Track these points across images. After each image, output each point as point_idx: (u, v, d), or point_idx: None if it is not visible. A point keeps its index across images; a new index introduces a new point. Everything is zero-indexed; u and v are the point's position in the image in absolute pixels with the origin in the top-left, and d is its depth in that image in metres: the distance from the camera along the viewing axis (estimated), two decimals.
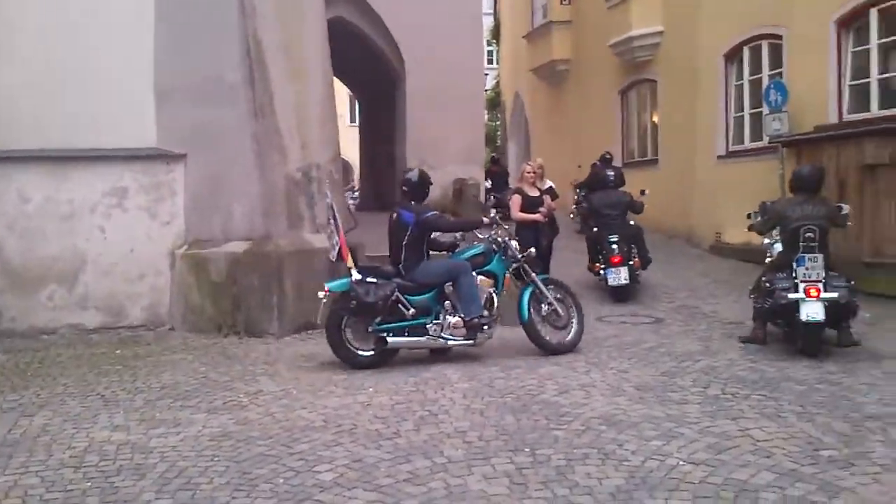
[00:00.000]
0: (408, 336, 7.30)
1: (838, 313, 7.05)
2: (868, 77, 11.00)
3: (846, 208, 7.88)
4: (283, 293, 8.60)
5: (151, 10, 9.14)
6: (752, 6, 13.23)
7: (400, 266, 7.39)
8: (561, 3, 20.64)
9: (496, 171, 19.81)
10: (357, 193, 26.00)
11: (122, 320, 9.28)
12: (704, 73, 14.74)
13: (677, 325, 8.98)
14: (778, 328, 7.72)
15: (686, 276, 11.97)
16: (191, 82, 9.05)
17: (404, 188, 7.56)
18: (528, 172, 10.34)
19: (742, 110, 13.94)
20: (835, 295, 6.92)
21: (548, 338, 7.62)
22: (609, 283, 10.29)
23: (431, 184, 7.76)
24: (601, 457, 4.74)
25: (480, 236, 7.96)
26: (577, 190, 16.12)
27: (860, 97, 11.20)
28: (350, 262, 7.30)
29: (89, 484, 4.58)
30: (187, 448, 5.17)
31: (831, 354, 7.18)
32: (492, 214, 8.06)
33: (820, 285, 6.95)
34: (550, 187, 10.97)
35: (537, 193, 10.25)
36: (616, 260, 10.21)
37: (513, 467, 4.61)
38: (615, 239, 10.36)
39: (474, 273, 7.44)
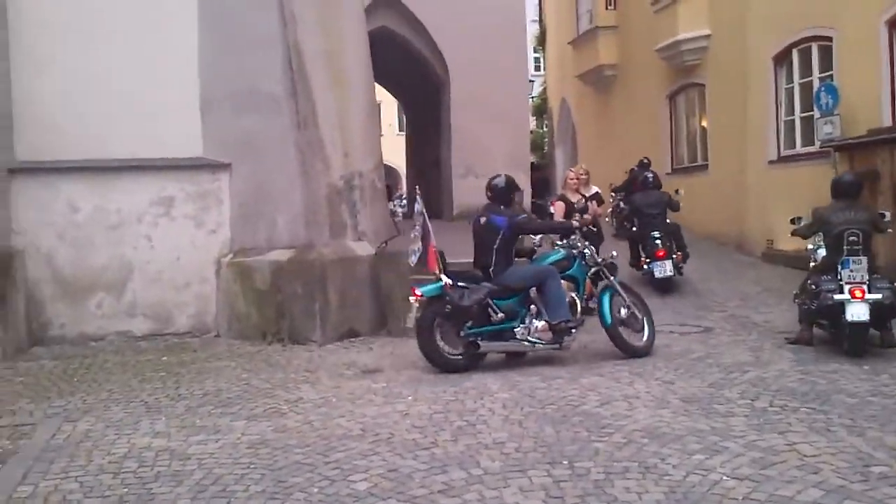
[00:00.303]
0: (497, 340, 7.37)
1: (882, 314, 7.20)
2: None
3: (888, 215, 8.02)
4: (327, 301, 8.64)
5: (195, 19, 9.27)
6: (801, 7, 12.93)
7: (490, 270, 7.41)
8: (606, 8, 20.40)
9: (537, 177, 19.67)
10: (405, 201, 26.09)
11: (169, 327, 9.42)
12: (753, 77, 14.45)
13: (727, 334, 8.77)
14: (823, 330, 7.77)
15: (737, 284, 11.69)
16: (235, 92, 9.15)
17: (491, 193, 7.66)
18: (572, 179, 10.40)
19: (793, 114, 13.62)
20: (879, 296, 7.04)
21: (630, 340, 7.64)
22: (655, 276, 10.80)
23: (519, 189, 7.90)
24: (641, 470, 4.62)
25: (558, 242, 8.11)
26: (614, 194, 16.34)
27: None
28: (438, 269, 7.32)
29: (126, 490, 4.63)
30: (225, 455, 5.20)
31: (887, 366, 6.94)
32: (577, 219, 8.41)
33: (864, 287, 7.07)
34: (596, 193, 10.86)
35: (580, 199, 10.13)
36: (661, 254, 10.79)
37: (550, 480, 4.52)
38: (658, 235, 10.98)
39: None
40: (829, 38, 12.43)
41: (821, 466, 4.57)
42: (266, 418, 6.11)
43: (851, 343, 7.22)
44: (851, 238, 7.32)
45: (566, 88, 24.86)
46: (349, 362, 7.89)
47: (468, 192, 16.72)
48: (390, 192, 39.75)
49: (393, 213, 31.44)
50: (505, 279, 7.39)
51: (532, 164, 19.26)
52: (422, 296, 7.24)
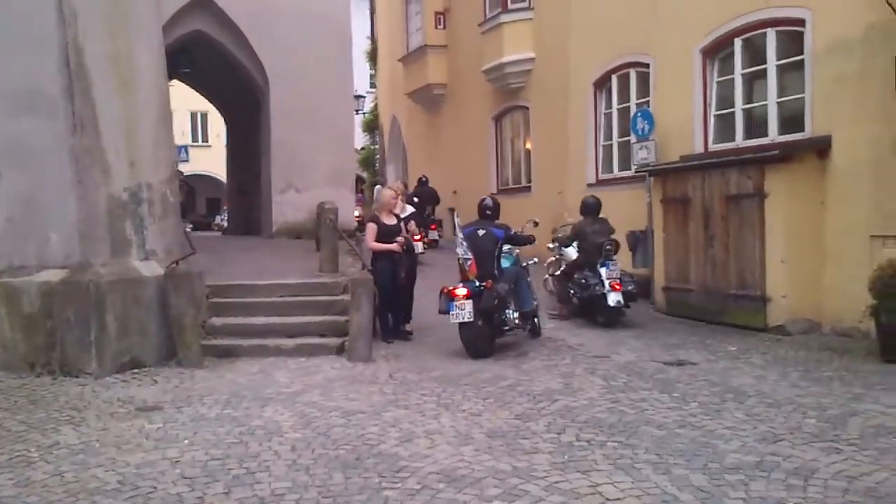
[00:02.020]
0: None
1: (630, 299, 10.12)
2: (733, 107, 10.96)
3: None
4: (103, 328, 7.63)
5: None
6: (620, 34, 13.13)
7: (494, 272, 8.73)
8: (436, 27, 20.29)
9: (425, 191, 18.65)
10: (227, 216, 24.82)
11: None
12: (574, 101, 14.60)
13: (541, 359, 8.49)
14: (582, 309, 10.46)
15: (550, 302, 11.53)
16: (5, 93, 7.99)
17: (487, 211, 9.10)
18: (393, 198, 9.94)
19: (611, 138, 13.80)
20: (629, 288, 10.02)
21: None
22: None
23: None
24: None
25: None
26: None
27: (725, 127, 11.15)
28: (474, 274, 8.52)
29: None
30: None
31: (697, 393, 6.81)
32: (397, 240, 9.31)
33: (619, 281, 9.94)
34: (412, 213, 10.41)
35: (395, 221, 9.62)
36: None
37: None
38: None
39: None
40: (647, 65, 12.66)
41: None
42: (9, 469, 5.18)
43: (609, 319, 10.05)
44: (608, 247, 10.14)
45: (397, 106, 24.57)
46: (126, 398, 6.94)
47: (288, 208, 15.92)
48: (219, 204, 38.21)
49: (220, 227, 30.07)
50: (503, 279, 8.75)
51: (420, 178, 18.64)
52: (469, 294, 8.26)
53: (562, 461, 5.10)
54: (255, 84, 16.35)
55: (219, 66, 17.27)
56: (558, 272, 11.04)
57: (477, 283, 8.44)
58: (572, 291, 10.40)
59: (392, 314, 9.49)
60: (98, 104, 7.84)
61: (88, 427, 6.12)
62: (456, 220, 9.00)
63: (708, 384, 7.17)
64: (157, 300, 8.08)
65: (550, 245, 11.33)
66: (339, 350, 8.50)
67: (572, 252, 10.80)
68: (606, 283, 9.90)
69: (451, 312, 8.32)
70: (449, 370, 7.87)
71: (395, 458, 5.21)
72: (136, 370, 7.85)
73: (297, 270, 10.58)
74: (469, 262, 8.53)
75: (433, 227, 17.44)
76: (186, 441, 5.68)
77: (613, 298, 9.86)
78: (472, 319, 8.30)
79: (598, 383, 7.28)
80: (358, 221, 17.50)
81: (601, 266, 10.02)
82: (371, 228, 9.39)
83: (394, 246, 9.21)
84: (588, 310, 10.37)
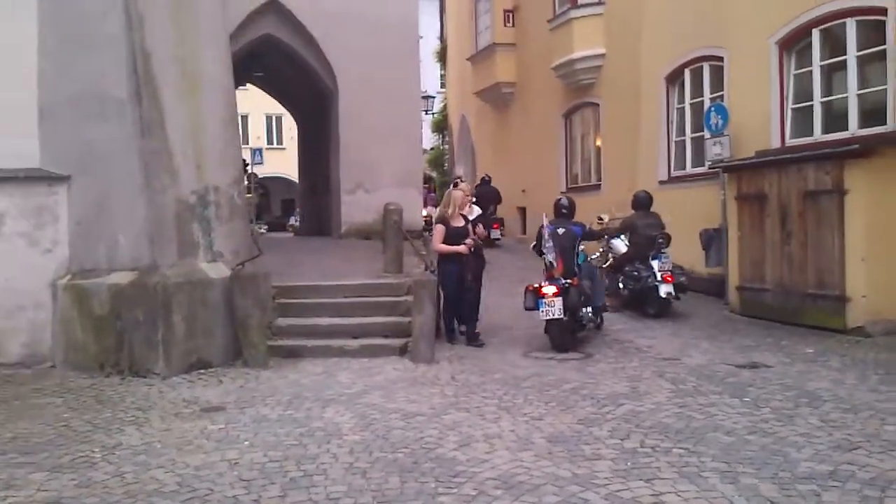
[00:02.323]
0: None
1: (682, 290, 10.56)
2: (811, 100, 10.52)
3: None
4: (171, 329, 7.75)
5: (34, 19, 8.29)
6: (693, 27, 12.76)
7: (575, 269, 8.95)
8: (504, 25, 20.12)
9: (488, 190, 18.70)
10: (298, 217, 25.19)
11: None
12: (646, 97, 14.25)
13: (606, 361, 8.29)
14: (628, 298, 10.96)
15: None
16: (76, 97, 8.20)
17: (563, 210, 9.41)
18: (466, 195, 9.91)
19: (684, 134, 13.44)
20: (681, 279, 10.51)
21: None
22: None
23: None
24: None
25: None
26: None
27: (803, 121, 10.70)
28: (558, 273, 8.70)
29: None
30: None
31: (770, 398, 6.54)
32: (466, 242, 9.14)
33: (671, 273, 10.38)
34: (480, 215, 10.33)
35: (463, 223, 9.38)
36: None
37: None
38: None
39: None
40: (721, 59, 12.27)
41: None
42: (72, 469, 5.26)
43: (660, 310, 10.46)
44: (660, 240, 10.54)
45: (466, 105, 24.49)
46: (191, 399, 7.03)
47: (357, 209, 16.00)
48: (293, 205, 38.61)
49: (294, 228, 30.36)
50: (583, 274, 9.11)
51: (483, 178, 18.74)
52: (559, 291, 8.47)
53: (624, 468, 4.93)
54: (325, 86, 16.50)
55: (289, 69, 17.51)
56: (605, 265, 11.56)
57: (562, 280, 8.62)
58: (622, 284, 10.95)
59: (460, 318, 9.35)
60: (165, 107, 7.97)
61: (152, 427, 6.21)
62: (544, 220, 9.09)
63: (782, 388, 6.88)
64: (224, 301, 8.17)
65: (610, 238, 11.67)
66: (402, 351, 8.46)
67: (621, 245, 11.39)
68: (658, 275, 10.36)
69: (540, 309, 8.53)
70: (512, 372, 7.75)
71: (453, 463, 5.13)
72: (202, 370, 7.95)
73: (363, 271, 10.60)
74: (556, 260, 8.69)
75: (496, 225, 17.40)
76: (246, 442, 5.70)
77: (665, 290, 10.34)
78: (561, 316, 8.50)
79: (666, 387, 7.06)
80: (425, 221, 17.46)
81: (653, 259, 10.47)
82: (439, 230, 9.20)
83: (461, 248, 9.00)
84: (638, 301, 10.80)
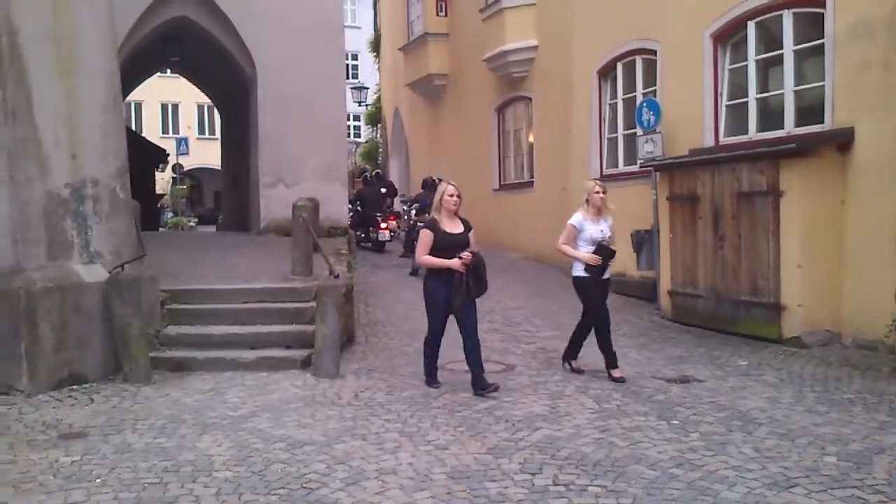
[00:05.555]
0: None
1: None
2: (746, 96, 10.04)
3: None
4: (37, 340, 6.80)
5: None
6: (626, 18, 12.22)
7: None
8: (437, 15, 19.42)
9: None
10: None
11: None
12: (578, 92, 13.69)
13: (528, 374, 7.66)
14: None
15: (556, 310, 10.67)
16: None
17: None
18: (451, 196, 7.12)
19: (616, 131, 12.91)
20: None
21: None
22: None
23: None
24: None
25: None
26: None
27: (737, 118, 10.22)
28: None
29: None
30: None
31: (699, 421, 5.98)
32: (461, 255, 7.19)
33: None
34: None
35: (461, 229, 7.13)
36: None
37: None
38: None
39: None
40: (654, 52, 11.76)
41: None
42: None
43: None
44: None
45: (399, 97, 23.76)
46: (52, 422, 6.13)
47: (277, 204, 15.04)
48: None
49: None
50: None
51: (425, 180, 18.15)
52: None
53: None
54: (244, 73, 15.54)
55: (208, 55, 16.50)
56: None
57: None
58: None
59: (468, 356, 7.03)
60: (34, 90, 7.00)
61: None
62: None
63: (713, 408, 6.35)
64: (103, 308, 7.27)
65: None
66: (305, 364, 7.67)
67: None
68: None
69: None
70: (423, 389, 7.04)
71: None
72: (75, 386, 7.03)
73: (271, 273, 9.75)
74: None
75: (392, 218, 17.56)
76: (98, 480, 4.86)
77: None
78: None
79: (588, 406, 6.47)
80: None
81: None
82: (424, 236, 7.03)
83: (453, 263, 6.80)
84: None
